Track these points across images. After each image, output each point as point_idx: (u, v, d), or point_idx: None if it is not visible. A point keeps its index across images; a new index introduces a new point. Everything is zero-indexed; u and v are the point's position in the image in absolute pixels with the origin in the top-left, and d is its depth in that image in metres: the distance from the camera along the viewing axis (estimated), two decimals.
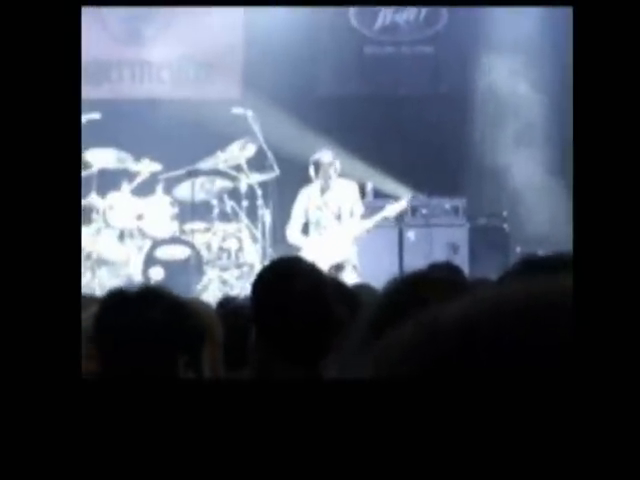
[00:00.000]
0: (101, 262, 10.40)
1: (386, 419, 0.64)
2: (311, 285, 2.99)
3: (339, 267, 9.28)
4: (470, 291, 0.71)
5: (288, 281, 2.98)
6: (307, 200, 9.51)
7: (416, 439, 0.63)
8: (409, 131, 11.70)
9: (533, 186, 11.23)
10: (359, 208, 9.53)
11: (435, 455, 0.63)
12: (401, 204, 9.77)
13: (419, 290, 1.97)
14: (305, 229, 9.61)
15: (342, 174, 9.58)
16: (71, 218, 2.17)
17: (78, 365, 2.10)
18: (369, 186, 10.95)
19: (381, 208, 9.71)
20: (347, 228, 9.41)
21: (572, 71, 1.75)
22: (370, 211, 9.67)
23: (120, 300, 2.79)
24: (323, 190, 9.44)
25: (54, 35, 2.17)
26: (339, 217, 9.45)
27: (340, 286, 4.13)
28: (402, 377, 0.66)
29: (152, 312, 2.69)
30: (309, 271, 3.07)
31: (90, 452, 1.56)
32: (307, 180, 9.58)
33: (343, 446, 0.65)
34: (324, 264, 9.04)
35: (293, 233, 9.63)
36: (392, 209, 9.66)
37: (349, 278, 8.74)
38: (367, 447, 0.64)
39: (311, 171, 9.45)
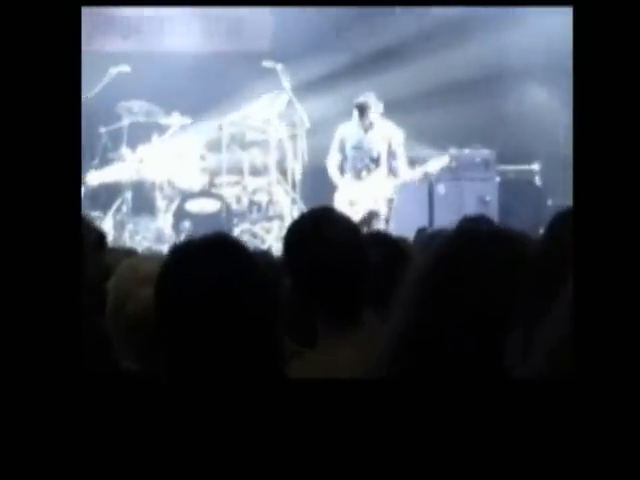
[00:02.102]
0: (130, 215, 10.43)
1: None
2: (346, 232, 2.93)
3: (372, 214, 9.24)
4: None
5: (322, 230, 2.89)
6: (345, 136, 9.48)
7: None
8: (439, 85, 11.61)
9: (567, 138, 11.13)
10: (402, 152, 9.45)
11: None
12: (444, 159, 9.71)
13: (473, 243, 1.96)
14: (342, 167, 9.56)
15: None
16: (70, 209, 2.16)
17: (79, 359, 2.07)
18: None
19: (421, 159, 9.69)
20: (386, 173, 9.35)
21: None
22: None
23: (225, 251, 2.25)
24: (366, 129, 9.42)
25: (54, 35, 2.16)
26: (377, 160, 9.41)
27: (379, 233, 4.09)
28: None
29: (260, 268, 2.26)
30: (342, 219, 3.02)
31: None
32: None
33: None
34: (360, 209, 9.07)
35: (331, 167, 9.58)
36: (435, 164, 9.61)
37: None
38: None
39: (355, 114, 9.42)
